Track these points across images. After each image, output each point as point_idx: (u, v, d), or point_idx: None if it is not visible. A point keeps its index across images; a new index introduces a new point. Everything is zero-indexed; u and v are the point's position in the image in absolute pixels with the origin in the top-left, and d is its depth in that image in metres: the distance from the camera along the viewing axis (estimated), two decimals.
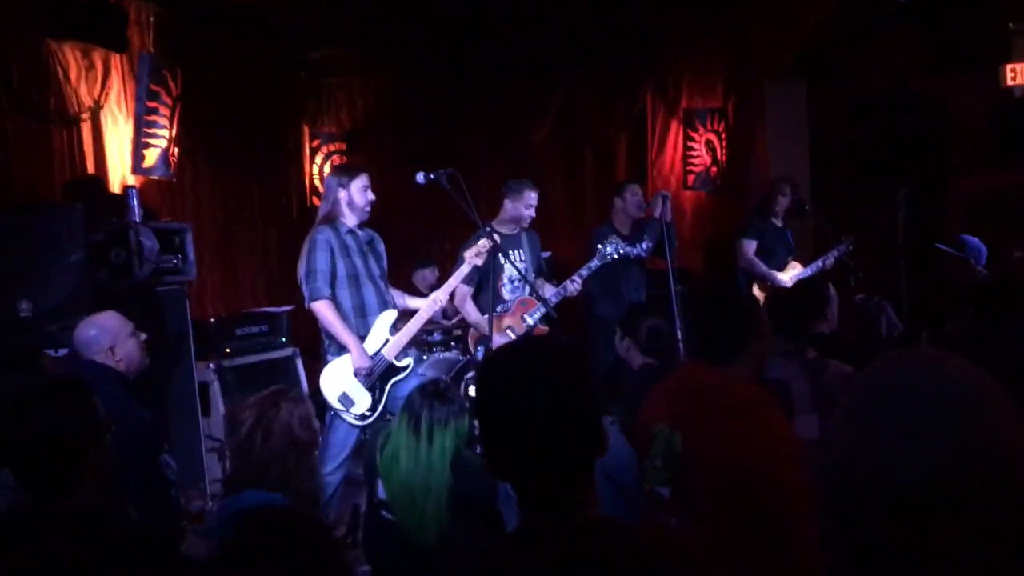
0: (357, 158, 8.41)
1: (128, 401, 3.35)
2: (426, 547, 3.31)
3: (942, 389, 1.00)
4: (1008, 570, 0.99)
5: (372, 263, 4.74)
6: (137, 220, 5.10)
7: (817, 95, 7.84)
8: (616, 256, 5.35)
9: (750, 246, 6.76)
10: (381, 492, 3.47)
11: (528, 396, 1.49)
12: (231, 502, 2.58)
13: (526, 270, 5.40)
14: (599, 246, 5.33)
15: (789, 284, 6.51)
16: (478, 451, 3.47)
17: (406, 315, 4.81)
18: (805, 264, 6.73)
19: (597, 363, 5.98)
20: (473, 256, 4.78)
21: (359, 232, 4.73)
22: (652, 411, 2.99)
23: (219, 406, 5.79)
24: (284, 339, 6.40)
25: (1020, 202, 7.17)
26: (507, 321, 5.31)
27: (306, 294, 4.59)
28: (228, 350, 5.97)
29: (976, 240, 6.50)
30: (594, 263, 5.32)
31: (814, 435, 3.07)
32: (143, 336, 3.62)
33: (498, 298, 5.34)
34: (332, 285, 4.57)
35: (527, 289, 5.34)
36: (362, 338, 4.62)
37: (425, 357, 6.18)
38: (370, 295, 4.68)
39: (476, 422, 3.28)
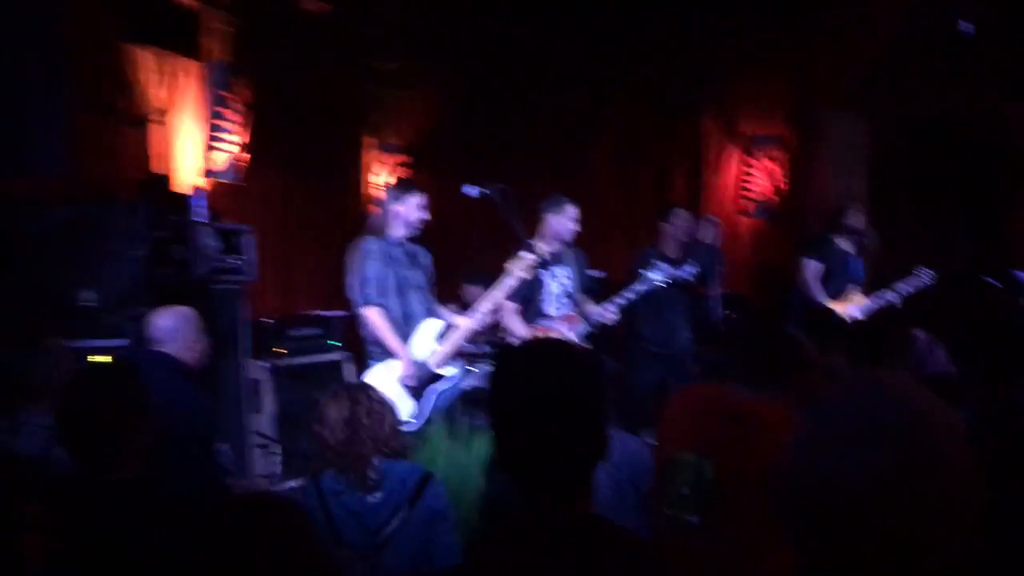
0: (418, 170, 8.55)
1: (191, 391, 3.54)
2: None
3: (886, 406, 1.06)
4: None
5: (418, 274, 4.85)
6: (200, 220, 5.28)
7: (878, 124, 7.77)
8: (662, 284, 5.32)
9: (811, 266, 6.21)
10: None
11: (537, 393, 1.55)
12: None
13: (571, 287, 5.44)
14: (641, 271, 5.31)
15: (844, 315, 6.04)
16: None
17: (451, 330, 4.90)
18: (869, 295, 6.21)
19: (636, 383, 5.98)
20: (519, 270, 4.83)
21: (406, 244, 4.84)
22: (673, 437, 3.01)
23: (269, 403, 5.93)
24: (336, 343, 6.53)
25: None
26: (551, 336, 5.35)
27: (359, 301, 4.72)
28: (282, 350, 6.11)
29: (1023, 275, 6.28)
30: (639, 287, 5.33)
31: None
32: (207, 337, 3.81)
33: (542, 313, 5.38)
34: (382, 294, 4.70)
35: (572, 306, 5.38)
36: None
37: (474, 369, 6.25)
38: (416, 304, 4.78)
39: None
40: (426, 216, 4.81)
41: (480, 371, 6.23)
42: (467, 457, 3.56)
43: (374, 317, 4.67)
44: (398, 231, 4.81)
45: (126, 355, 3.91)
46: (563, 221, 5.47)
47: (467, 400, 3.75)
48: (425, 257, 4.98)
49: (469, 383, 4.97)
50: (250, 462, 5.61)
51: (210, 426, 3.60)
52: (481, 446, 3.54)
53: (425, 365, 4.71)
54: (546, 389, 1.55)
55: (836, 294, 6.22)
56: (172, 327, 3.66)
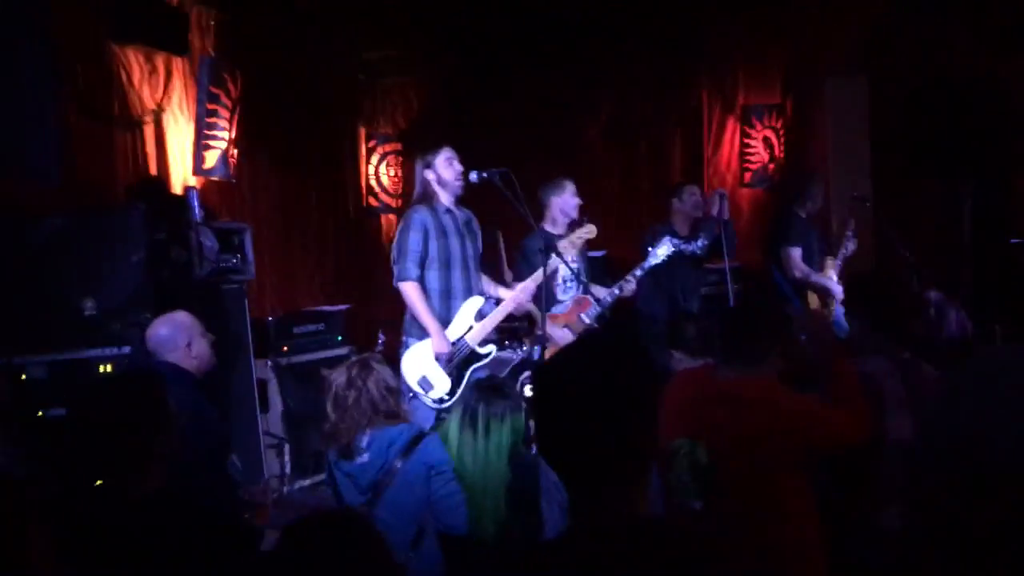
0: (412, 158, 8.45)
1: (201, 402, 3.41)
2: (485, 541, 3.32)
3: None
4: None
5: (468, 245, 4.78)
6: (198, 220, 5.19)
7: (877, 89, 7.68)
8: (668, 257, 5.27)
9: (797, 253, 6.11)
10: None
11: (590, 392, 1.48)
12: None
13: (579, 270, 5.36)
14: (650, 248, 5.26)
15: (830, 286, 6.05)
16: (534, 450, 3.47)
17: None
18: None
19: None
20: (569, 246, 4.80)
21: (457, 212, 4.76)
22: (668, 423, 2.97)
23: (277, 403, 5.86)
24: (340, 337, 6.46)
25: None
26: (563, 320, 5.28)
27: (395, 273, 4.66)
28: (286, 348, 6.04)
29: None
30: (648, 263, 5.26)
31: (907, 436, 2.99)
32: (212, 337, 3.68)
33: (553, 298, 5.30)
34: (422, 266, 4.62)
35: (580, 288, 5.31)
36: (445, 323, 4.66)
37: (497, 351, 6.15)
38: (458, 280, 4.72)
39: (532, 422, 3.30)
40: (459, 168, 4.69)
41: (495, 356, 6.15)
42: (486, 446, 3.47)
43: (409, 291, 4.61)
44: (443, 197, 4.72)
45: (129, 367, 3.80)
46: (567, 198, 5.43)
47: (480, 387, 3.67)
48: (476, 224, 4.89)
49: (486, 371, 4.87)
50: (263, 463, 5.55)
51: (223, 437, 3.50)
52: (500, 434, 3.47)
53: (462, 343, 4.66)
54: (602, 390, 1.48)
55: (819, 268, 6.23)
56: (169, 335, 3.48)
